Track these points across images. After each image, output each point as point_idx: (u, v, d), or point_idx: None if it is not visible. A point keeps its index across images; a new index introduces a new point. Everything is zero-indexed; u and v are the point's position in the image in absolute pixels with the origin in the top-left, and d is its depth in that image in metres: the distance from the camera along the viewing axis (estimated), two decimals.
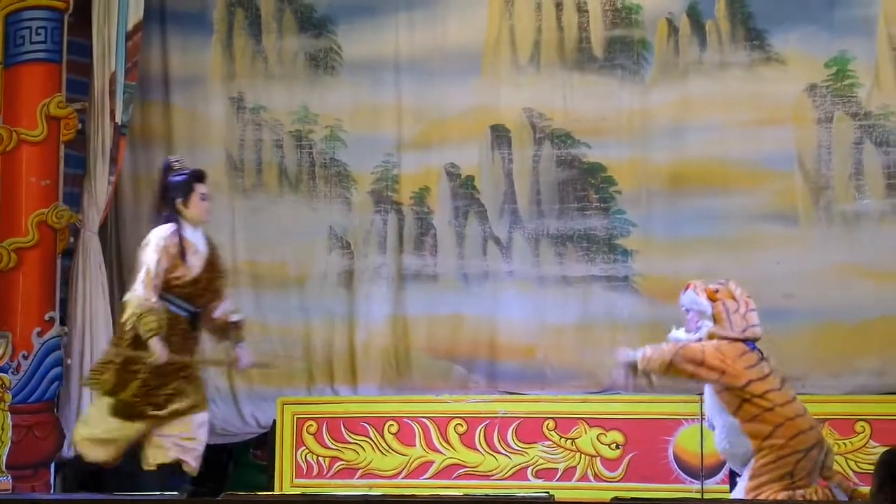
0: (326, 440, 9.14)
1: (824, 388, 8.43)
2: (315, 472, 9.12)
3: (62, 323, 9.27)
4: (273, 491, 9.03)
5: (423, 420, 9.04)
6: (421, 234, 9.48)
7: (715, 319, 6.68)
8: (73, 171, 9.48)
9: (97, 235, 9.41)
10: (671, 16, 9.12)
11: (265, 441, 9.47)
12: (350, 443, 9.10)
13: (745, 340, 6.63)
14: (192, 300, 7.23)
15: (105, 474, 9.49)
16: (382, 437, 9.07)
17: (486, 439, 8.94)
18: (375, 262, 9.49)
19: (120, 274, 9.80)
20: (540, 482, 8.73)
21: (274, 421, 9.27)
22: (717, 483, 8.41)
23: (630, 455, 8.68)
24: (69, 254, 9.39)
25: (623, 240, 9.13)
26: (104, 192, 9.39)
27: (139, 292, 7.04)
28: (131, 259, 9.78)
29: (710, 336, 6.67)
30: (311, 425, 9.16)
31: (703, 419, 8.48)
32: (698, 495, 8.32)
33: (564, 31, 9.32)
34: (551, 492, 8.31)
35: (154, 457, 7.18)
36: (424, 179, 9.46)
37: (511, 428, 8.91)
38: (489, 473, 8.89)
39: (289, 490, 9.03)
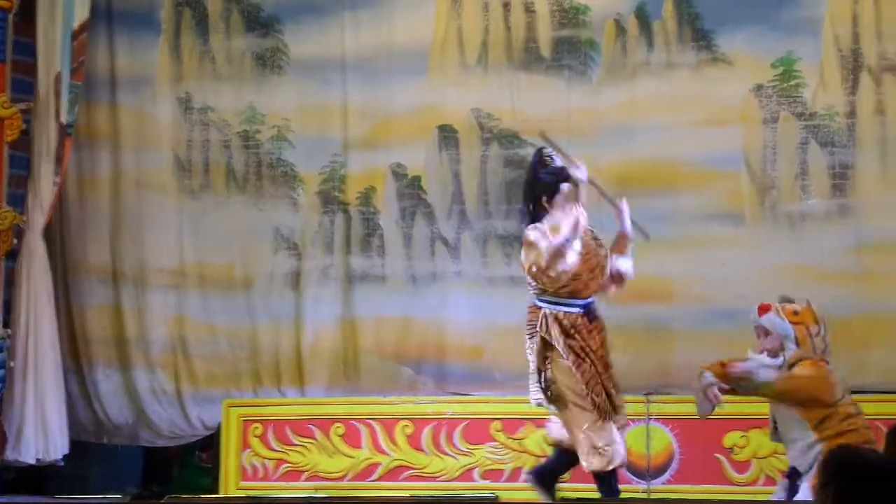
0: (272, 442, 9.10)
1: None
2: (261, 474, 9.07)
3: (6, 325, 9.18)
4: (217, 494, 8.96)
5: (370, 422, 9.01)
6: (368, 234, 9.43)
7: (798, 342, 6.62)
8: (17, 172, 9.39)
9: (42, 237, 9.33)
10: (619, 16, 9.09)
11: (210, 443, 9.42)
12: (296, 445, 9.07)
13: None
14: (579, 295, 7.06)
15: (48, 477, 9.45)
16: (329, 439, 9.04)
17: (433, 441, 8.91)
18: (323, 263, 9.44)
19: (65, 276, 9.73)
20: (487, 483, 8.70)
21: (219, 423, 9.21)
22: (663, 483, 8.41)
23: None
24: (13, 255, 9.31)
25: None
26: (49, 194, 9.32)
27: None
28: (76, 260, 9.77)
29: (794, 360, 6.63)
30: (257, 427, 9.12)
31: (649, 419, 8.49)
32: (645, 495, 8.31)
33: (512, 31, 9.30)
34: (497, 492, 8.29)
35: None
36: (371, 179, 9.42)
37: (458, 429, 8.89)
38: (436, 475, 8.86)
39: (234, 493, 8.97)
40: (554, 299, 7.01)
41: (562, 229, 6.91)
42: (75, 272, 9.75)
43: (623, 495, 7.53)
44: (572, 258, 6.93)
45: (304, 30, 9.54)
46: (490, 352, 9.14)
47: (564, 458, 7.16)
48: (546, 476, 7.18)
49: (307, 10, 9.53)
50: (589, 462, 6.94)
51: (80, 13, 9.44)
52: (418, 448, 8.90)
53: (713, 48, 8.93)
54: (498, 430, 8.82)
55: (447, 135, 9.34)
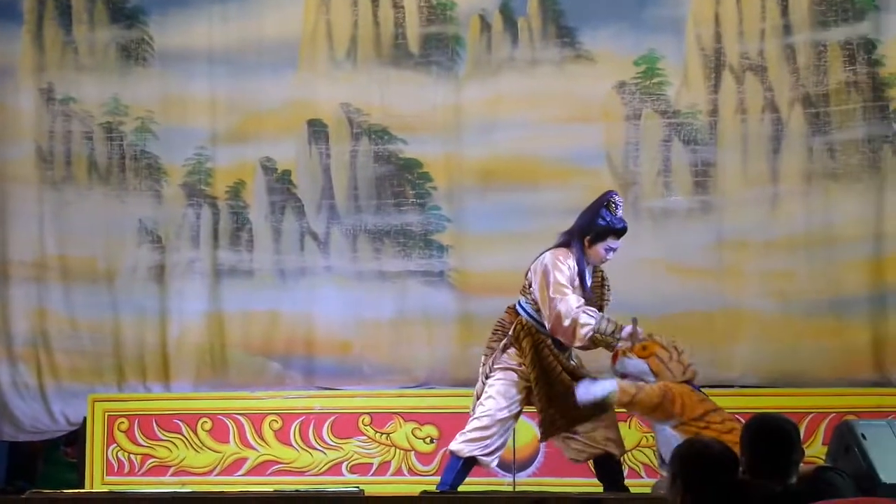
0: (138, 437, 9.04)
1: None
2: (126, 469, 9.01)
3: None
4: (83, 489, 8.87)
5: (238, 417, 8.99)
6: (237, 228, 9.39)
7: (655, 374, 6.80)
8: None
9: None
10: (484, 12, 9.17)
11: (76, 438, 9.32)
12: (162, 440, 9.03)
13: (686, 382, 6.81)
14: None
15: None
16: (196, 434, 9.00)
17: (301, 435, 8.93)
18: (188, 256, 9.38)
19: None
20: (354, 477, 8.74)
21: (85, 418, 9.12)
22: (528, 476, 8.51)
23: (444, 449, 8.68)
24: None
25: (438, 235, 9.17)
26: None
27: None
28: None
29: None
30: (123, 422, 9.05)
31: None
32: (510, 488, 8.39)
33: (381, 26, 9.33)
34: (363, 486, 8.31)
35: None
36: (239, 173, 9.38)
37: (326, 423, 8.92)
38: (304, 469, 8.88)
39: (99, 488, 8.90)
40: (538, 316, 7.04)
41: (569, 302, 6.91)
42: None
43: (490, 488, 7.62)
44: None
45: (170, 21, 9.47)
46: (358, 346, 9.18)
47: None
48: None
49: (173, 1, 9.46)
50: (456, 440, 7.11)
51: None
52: (286, 443, 8.91)
53: (577, 45, 9.04)
54: (366, 425, 8.87)
55: (317, 129, 9.34)
